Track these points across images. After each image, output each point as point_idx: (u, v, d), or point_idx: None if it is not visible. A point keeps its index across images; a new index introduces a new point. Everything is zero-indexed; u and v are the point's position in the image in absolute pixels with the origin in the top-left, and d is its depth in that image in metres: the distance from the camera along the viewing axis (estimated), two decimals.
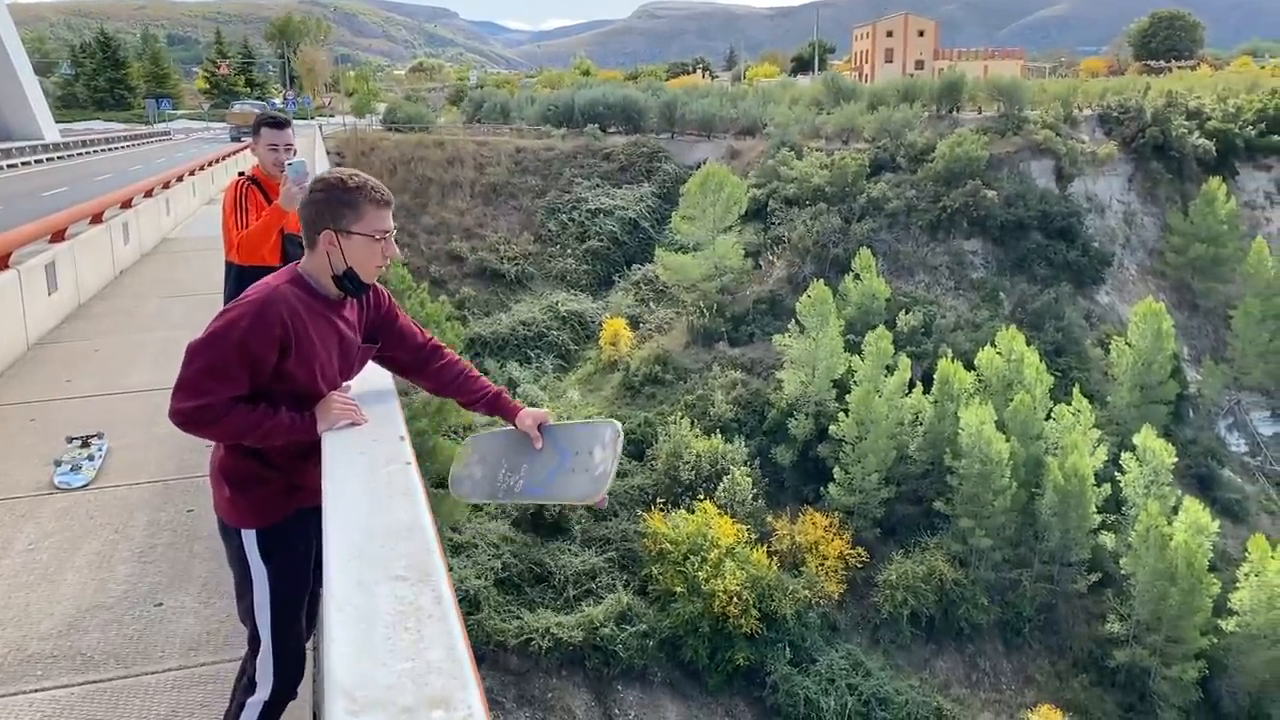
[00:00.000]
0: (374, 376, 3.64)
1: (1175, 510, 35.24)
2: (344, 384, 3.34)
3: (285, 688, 3.21)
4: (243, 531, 3.17)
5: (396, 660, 1.55)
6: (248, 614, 3.22)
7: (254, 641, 3.22)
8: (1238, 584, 34.09)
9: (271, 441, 3.08)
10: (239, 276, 5.82)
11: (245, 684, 3.25)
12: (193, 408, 2.93)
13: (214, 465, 3.24)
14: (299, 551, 3.24)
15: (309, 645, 3.51)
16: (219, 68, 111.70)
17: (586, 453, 3.31)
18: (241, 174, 6.30)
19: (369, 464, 2.67)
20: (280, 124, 6.34)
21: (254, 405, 3.02)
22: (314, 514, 3.31)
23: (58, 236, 12.98)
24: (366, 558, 1.92)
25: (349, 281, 3.16)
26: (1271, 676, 33.25)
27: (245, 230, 5.94)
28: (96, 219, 15.17)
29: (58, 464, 6.29)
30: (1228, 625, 33.57)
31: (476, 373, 3.67)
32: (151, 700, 3.74)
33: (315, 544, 3.33)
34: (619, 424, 3.37)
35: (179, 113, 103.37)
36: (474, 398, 3.57)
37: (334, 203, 3.12)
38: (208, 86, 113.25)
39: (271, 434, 3.05)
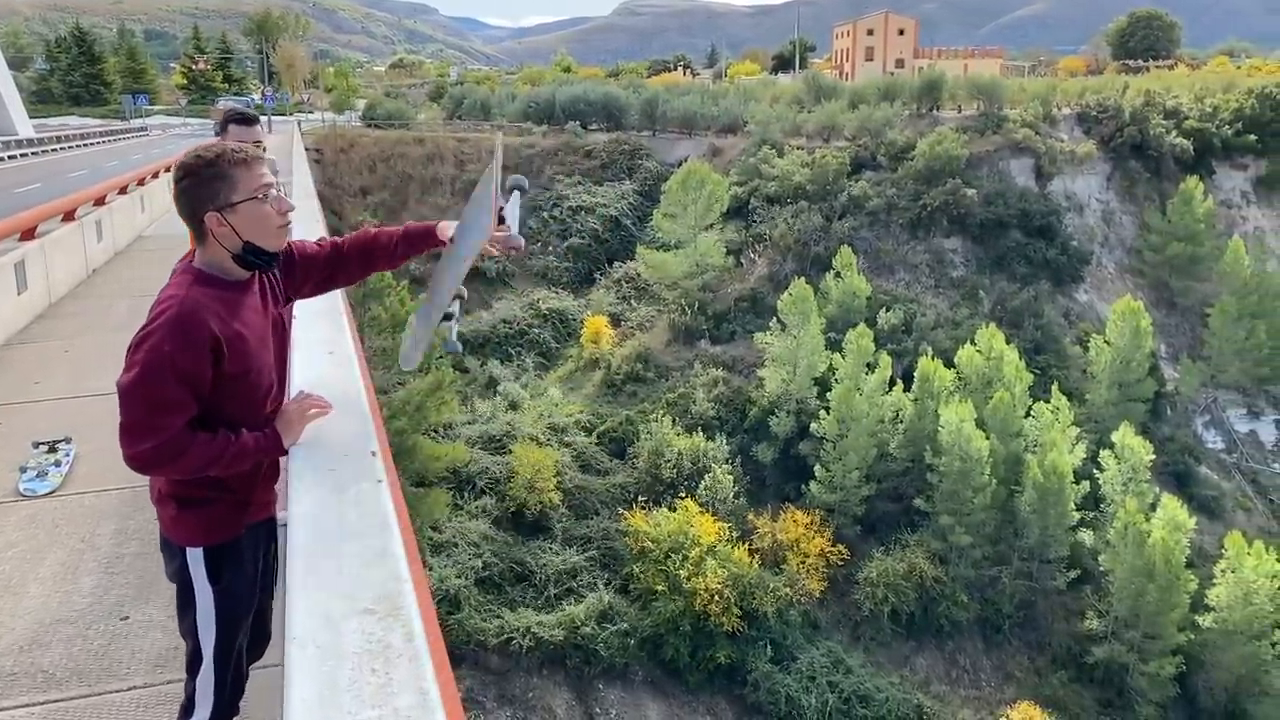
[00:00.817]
0: (345, 385, 3.50)
1: (1153, 507, 35.46)
2: (302, 391, 3.20)
3: (225, 708, 3.06)
4: (188, 549, 3.00)
5: (362, 708, 1.43)
6: (189, 632, 3.04)
7: (194, 661, 3.05)
8: (1214, 580, 34.32)
9: (239, 467, 2.93)
10: None
11: (184, 704, 3.09)
12: (150, 449, 2.76)
13: (156, 482, 3.06)
14: (247, 571, 3.07)
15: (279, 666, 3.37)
16: (196, 63, 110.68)
17: (479, 207, 3.32)
18: None
19: (337, 483, 2.52)
20: (249, 121, 6.13)
21: (213, 434, 2.86)
22: (264, 525, 3.17)
23: (28, 235, 12.75)
24: (333, 589, 1.79)
25: (252, 256, 2.99)
26: (1247, 672, 33.52)
27: None
28: (69, 216, 14.91)
29: (23, 470, 6.12)
30: (1204, 621, 33.81)
31: (375, 231, 3.60)
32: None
33: (264, 559, 3.19)
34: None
35: (156, 108, 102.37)
36: (392, 250, 3.53)
37: (203, 182, 2.94)
38: (185, 82, 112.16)
39: (237, 460, 2.89)
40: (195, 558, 2.98)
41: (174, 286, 2.95)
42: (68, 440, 6.56)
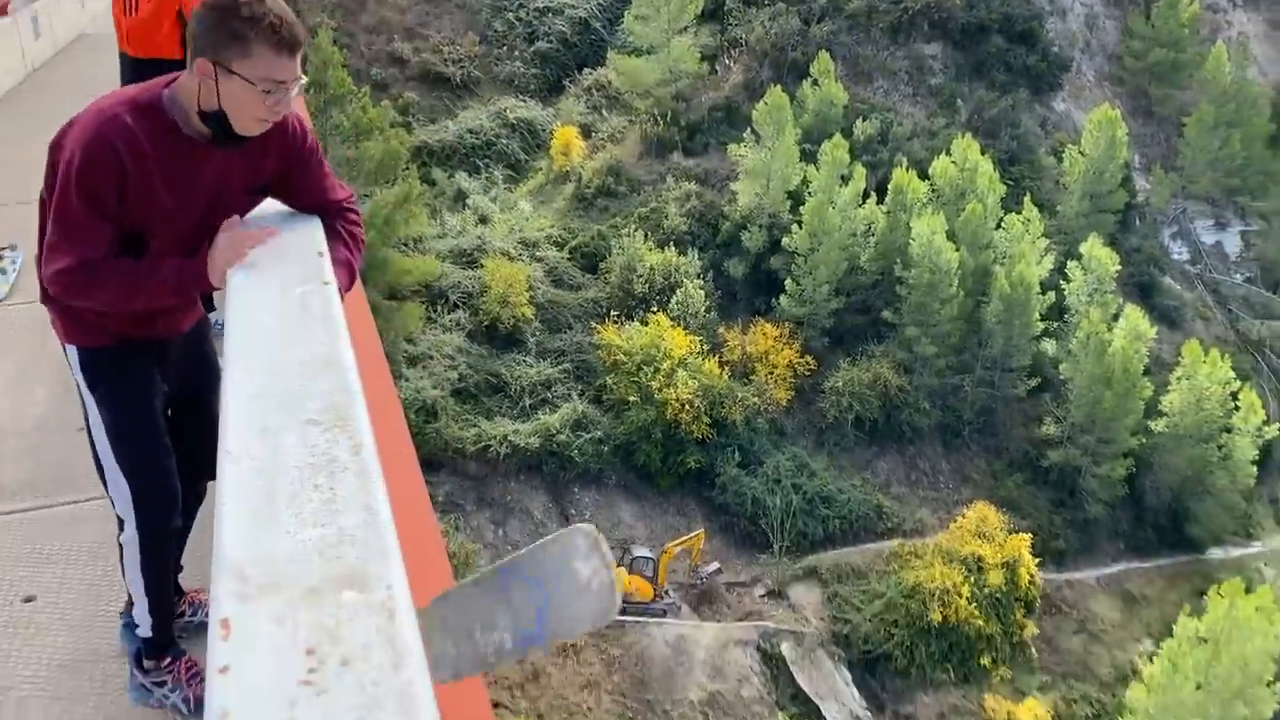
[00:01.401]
0: None
1: (1116, 317, 36.11)
2: (240, 219, 2.75)
3: (153, 520, 2.87)
4: (67, 347, 2.80)
5: (302, 527, 1.30)
6: (90, 444, 2.88)
7: (101, 473, 2.89)
8: (1169, 387, 35.43)
9: (161, 300, 2.66)
10: (135, 70, 5.13)
11: (117, 522, 2.94)
12: (58, 273, 2.51)
13: (40, 286, 2.77)
14: (128, 382, 2.83)
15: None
16: None
17: (569, 573, 2.58)
18: None
19: (279, 284, 2.28)
20: None
21: (136, 259, 2.58)
22: (155, 343, 2.94)
23: None
24: (272, 398, 1.63)
25: (215, 124, 2.55)
26: (1193, 473, 35.17)
27: (135, 16, 5.23)
28: (1, 10, 13.95)
29: None
30: (1157, 426, 35.12)
31: (343, 253, 2.85)
32: (73, 530, 3.55)
33: (163, 376, 2.96)
34: (589, 527, 2.65)
35: None
36: None
37: (221, 28, 2.46)
38: None
39: (157, 293, 2.61)
40: (73, 355, 2.79)
41: (113, 98, 2.60)
42: (13, 247, 6.28)
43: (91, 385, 2.79)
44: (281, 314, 2.09)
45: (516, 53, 51.52)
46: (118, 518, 2.93)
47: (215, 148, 2.65)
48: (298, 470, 1.42)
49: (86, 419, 2.86)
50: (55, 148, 2.59)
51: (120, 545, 2.94)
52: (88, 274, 2.53)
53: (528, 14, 52.65)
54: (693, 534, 31.61)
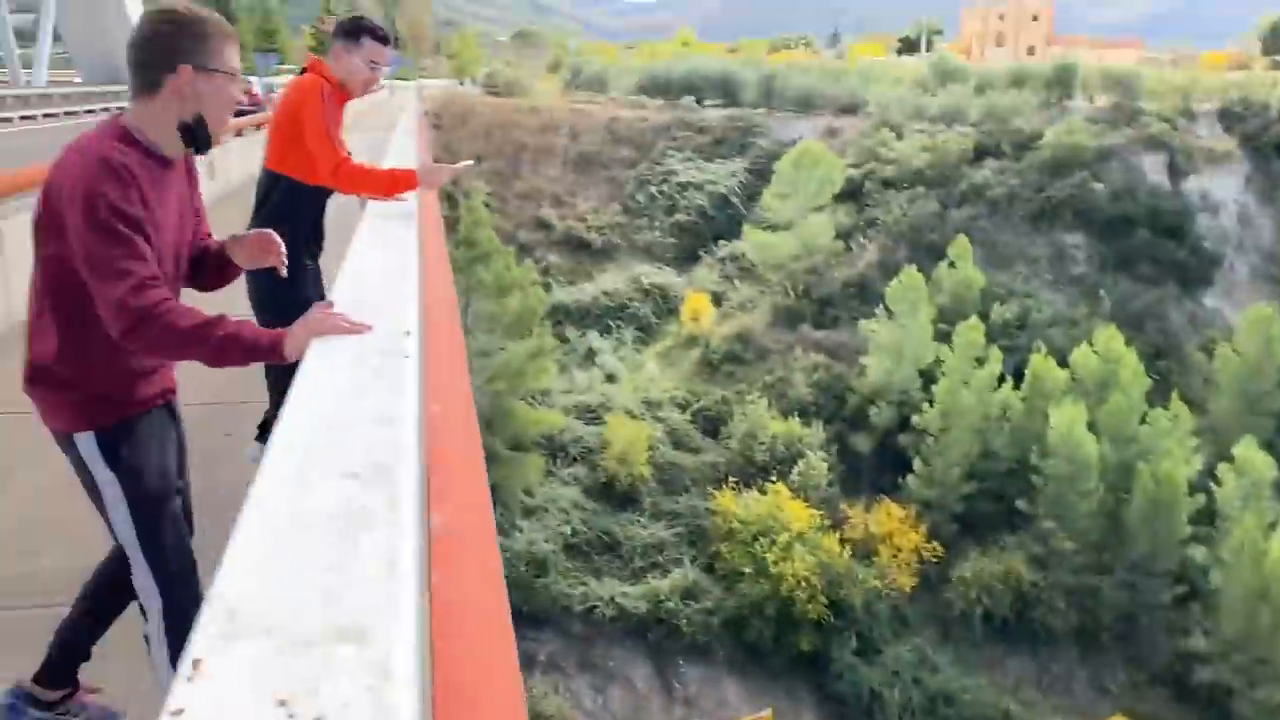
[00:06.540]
0: (391, 252, 3.21)
1: (1273, 526, 33.42)
2: (328, 301, 2.79)
3: (179, 594, 2.74)
4: (75, 436, 2.69)
5: (311, 570, 1.14)
6: (108, 525, 2.77)
7: (123, 559, 2.78)
8: None
9: (230, 362, 2.57)
10: (268, 179, 4.86)
11: (140, 612, 2.80)
12: (123, 297, 2.42)
13: (26, 369, 2.75)
14: (152, 447, 2.76)
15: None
16: (323, 23, 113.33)
17: None
18: (306, 70, 5.03)
19: (355, 355, 2.19)
20: (388, 40, 5.48)
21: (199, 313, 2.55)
22: (160, 409, 2.91)
23: None
24: (314, 449, 1.50)
25: (200, 130, 2.66)
26: None
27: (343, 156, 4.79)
28: None
29: None
30: None
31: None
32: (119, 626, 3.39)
33: (174, 433, 2.96)
34: None
35: (286, 68, 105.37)
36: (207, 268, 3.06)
37: (188, 35, 2.61)
38: (314, 44, 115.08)
39: (229, 346, 2.52)
40: (84, 442, 2.69)
41: (90, 135, 2.63)
42: None
43: (112, 464, 2.70)
44: (353, 380, 1.97)
45: (656, 223, 53.38)
46: (141, 609, 2.81)
47: (170, 165, 2.74)
48: (322, 519, 1.27)
49: (103, 502, 2.76)
50: (54, 197, 2.55)
51: (146, 639, 2.82)
52: (155, 295, 2.47)
53: (670, 187, 54.78)
54: (762, 714, 29.74)
